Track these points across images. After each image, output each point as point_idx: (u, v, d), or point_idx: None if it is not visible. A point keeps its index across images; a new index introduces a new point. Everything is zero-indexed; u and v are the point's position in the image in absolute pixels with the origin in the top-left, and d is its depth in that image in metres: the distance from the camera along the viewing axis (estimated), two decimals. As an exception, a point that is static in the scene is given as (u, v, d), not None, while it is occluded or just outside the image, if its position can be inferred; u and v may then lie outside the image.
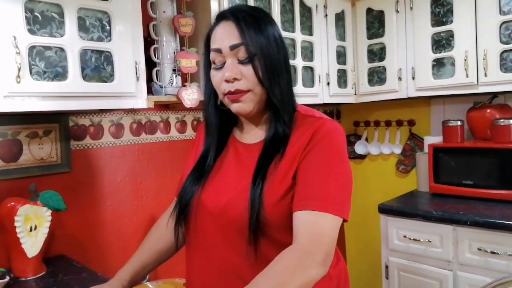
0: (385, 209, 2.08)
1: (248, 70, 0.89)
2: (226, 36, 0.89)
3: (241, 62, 0.89)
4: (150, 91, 1.59)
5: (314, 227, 0.81)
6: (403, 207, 2.05)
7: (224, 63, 0.91)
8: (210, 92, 0.99)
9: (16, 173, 1.45)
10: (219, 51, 0.90)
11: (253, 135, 0.99)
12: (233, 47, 0.88)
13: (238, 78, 0.89)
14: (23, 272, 1.32)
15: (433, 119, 2.50)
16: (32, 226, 1.33)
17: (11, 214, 1.29)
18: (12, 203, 1.31)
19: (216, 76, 0.93)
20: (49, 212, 1.36)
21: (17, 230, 1.29)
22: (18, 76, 1.15)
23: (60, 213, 1.50)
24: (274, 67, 0.90)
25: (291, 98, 0.96)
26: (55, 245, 1.54)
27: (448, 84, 2.06)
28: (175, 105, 1.87)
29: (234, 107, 0.93)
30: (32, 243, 1.33)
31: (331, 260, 0.82)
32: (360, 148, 2.76)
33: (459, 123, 2.16)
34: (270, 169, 0.89)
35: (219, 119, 1.00)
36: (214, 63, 0.93)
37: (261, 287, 0.74)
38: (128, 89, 1.41)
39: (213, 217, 0.94)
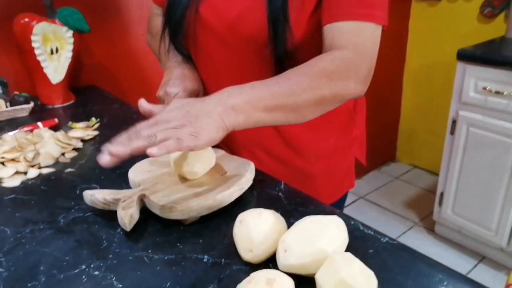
0: (466, 55, 1.73)
1: None
2: None
3: None
4: None
5: (356, 37, 0.66)
6: (489, 54, 1.70)
7: None
8: None
9: (28, -15, 1.21)
10: None
11: None
12: None
13: None
14: (50, 100, 1.19)
15: None
16: (53, 49, 1.15)
17: (26, 33, 1.10)
18: (26, 19, 1.10)
19: None
20: (70, 33, 1.15)
21: (36, 52, 1.11)
22: None
23: (86, 39, 1.31)
24: None
25: None
26: (84, 75, 1.38)
27: None
28: None
29: None
30: (55, 68, 1.16)
31: (370, 80, 0.68)
32: (438, -15, 2.28)
33: None
34: None
35: None
36: None
37: (294, 82, 0.61)
38: None
39: (220, 37, 0.74)
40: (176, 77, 0.77)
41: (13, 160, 0.82)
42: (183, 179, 0.67)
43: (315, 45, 0.70)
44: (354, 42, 0.66)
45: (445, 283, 0.49)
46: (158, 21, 0.91)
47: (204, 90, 0.82)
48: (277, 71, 0.68)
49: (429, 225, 2.22)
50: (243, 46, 0.74)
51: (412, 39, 2.54)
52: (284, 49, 0.69)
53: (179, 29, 0.78)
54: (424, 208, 2.36)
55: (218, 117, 0.54)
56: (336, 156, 0.89)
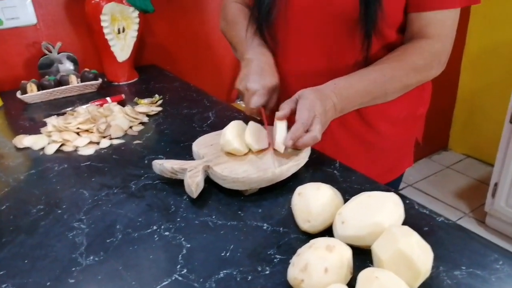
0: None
1: None
2: None
3: None
4: None
5: (442, 28, 0.75)
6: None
7: None
8: None
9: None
10: None
11: None
12: None
13: None
14: (115, 77, 1.27)
15: None
16: (120, 28, 1.22)
17: (96, 12, 1.17)
18: (96, 0, 1.18)
19: None
20: (136, 13, 1.22)
21: (105, 31, 1.19)
22: None
23: (149, 19, 1.37)
24: None
25: None
26: (146, 54, 1.45)
27: None
28: None
29: None
30: (121, 46, 1.23)
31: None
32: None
33: None
34: None
35: None
36: None
37: (388, 80, 0.73)
38: None
39: (312, 13, 0.78)
40: (255, 72, 0.78)
41: (87, 131, 0.90)
42: (233, 155, 0.70)
43: (402, 22, 0.77)
44: (439, 33, 0.74)
45: (500, 262, 0.50)
46: (234, 8, 0.93)
47: (289, 75, 0.85)
48: (363, 47, 0.77)
49: (479, 216, 2.16)
50: (335, 24, 0.77)
51: (474, 19, 2.42)
52: (374, 27, 0.74)
53: (270, 12, 0.81)
54: (475, 199, 2.29)
55: (333, 107, 0.70)
56: (403, 129, 0.91)
